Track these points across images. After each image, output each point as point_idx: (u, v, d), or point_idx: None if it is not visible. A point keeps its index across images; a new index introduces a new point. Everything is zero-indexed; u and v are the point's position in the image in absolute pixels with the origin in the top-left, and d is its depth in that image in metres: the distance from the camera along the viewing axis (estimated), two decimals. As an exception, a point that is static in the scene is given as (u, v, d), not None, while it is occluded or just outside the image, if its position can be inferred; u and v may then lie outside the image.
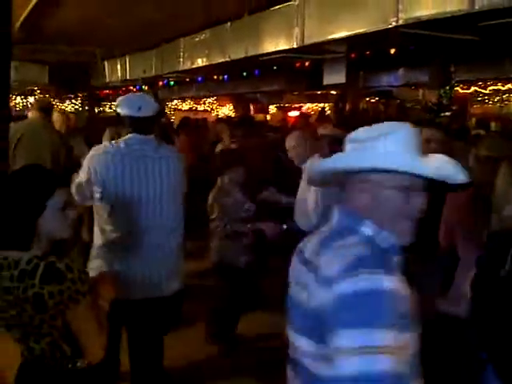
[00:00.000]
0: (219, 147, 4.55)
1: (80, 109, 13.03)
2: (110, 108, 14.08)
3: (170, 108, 15.55)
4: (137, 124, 2.31)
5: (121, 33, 6.16)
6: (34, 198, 1.59)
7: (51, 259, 1.61)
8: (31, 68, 7.90)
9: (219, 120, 7.58)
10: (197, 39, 5.89)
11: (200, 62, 5.84)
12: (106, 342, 1.68)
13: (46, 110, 4.04)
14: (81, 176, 2.33)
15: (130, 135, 2.33)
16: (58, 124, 4.37)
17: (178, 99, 14.91)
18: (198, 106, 16.49)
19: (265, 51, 4.77)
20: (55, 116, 4.43)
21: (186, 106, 16.16)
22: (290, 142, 3.10)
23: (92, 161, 2.30)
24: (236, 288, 3.19)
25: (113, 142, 2.43)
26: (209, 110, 16.24)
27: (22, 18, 5.03)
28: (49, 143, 3.75)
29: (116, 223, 2.29)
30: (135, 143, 2.32)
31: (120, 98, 2.42)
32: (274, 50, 4.64)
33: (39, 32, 5.69)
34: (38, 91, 11.06)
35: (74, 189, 2.29)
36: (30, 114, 4.09)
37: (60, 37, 6.44)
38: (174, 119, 11.32)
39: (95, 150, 2.35)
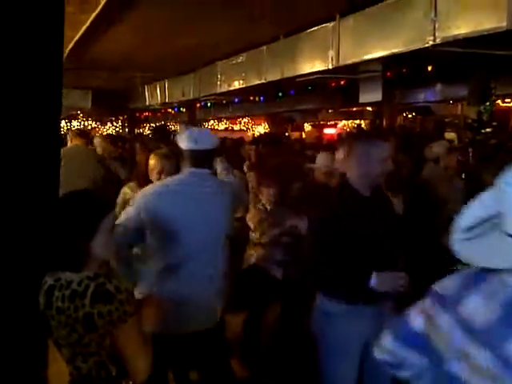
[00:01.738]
0: (245, 166, 4.62)
1: (120, 131, 13.46)
2: (149, 129, 14.49)
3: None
4: (194, 157, 2.33)
5: (160, 58, 6.37)
6: (86, 221, 1.67)
7: (101, 280, 1.67)
8: (76, 94, 8.27)
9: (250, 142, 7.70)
10: (233, 62, 6.02)
11: (237, 85, 5.97)
12: (151, 363, 1.72)
13: (84, 135, 4.22)
14: (129, 215, 2.33)
15: (185, 170, 2.37)
16: (99, 148, 4.55)
17: (214, 119, 15.15)
18: (234, 126, 16.68)
19: (300, 72, 4.84)
20: (96, 141, 4.62)
21: (222, 126, 16.39)
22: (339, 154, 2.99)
23: (145, 200, 2.31)
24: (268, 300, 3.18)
25: (168, 178, 2.48)
26: (244, 129, 16.41)
27: (69, 48, 5.29)
28: (86, 168, 3.88)
29: (166, 254, 2.31)
30: (190, 178, 2.35)
31: (182, 132, 2.49)
32: (309, 71, 4.70)
33: (84, 60, 5.96)
34: (81, 115, 11.50)
35: (118, 229, 2.37)
36: (69, 141, 4.28)
37: (103, 63, 6.72)
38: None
39: (148, 191, 2.37)
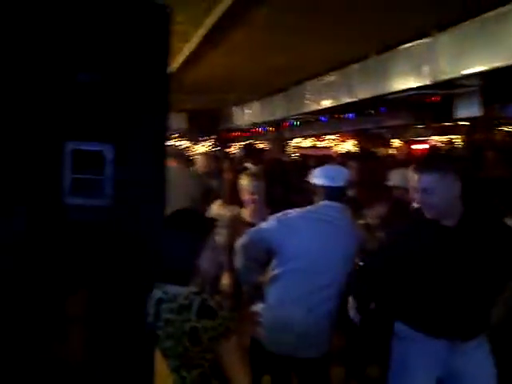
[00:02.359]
0: None
1: (211, 150, 13.98)
2: (236, 148, 14.90)
3: (292, 146, 15.96)
4: (329, 193, 2.44)
5: (252, 79, 6.57)
6: (194, 238, 1.75)
7: (204, 296, 1.75)
8: (174, 116, 8.79)
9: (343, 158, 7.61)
10: (324, 81, 6.05)
11: (326, 103, 5.98)
12: (250, 379, 1.75)
13: (179, 156, 4.46)
14: (258, 236, 2.46)
15: (321, 202, 2.46)
16: (201, 167, 4.79)
17: (300, 137, 15.25)
18: (319, 143, 16.61)
19: (393, 90, 4.76)
20: (199, 159, 4.87)
21: (307, 144, 16.39)
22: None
23: (278, 226, 2.41)
24: None
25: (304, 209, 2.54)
26: (329, 146, 16.29)
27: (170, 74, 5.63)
28: (185, 186, 4.07)
29: (284, 280, 2.41)
30: (325, 209, 2.44)
31: (317, 169, 2.59)
32: (403, 87, 4.60)
33: (182, 84, 6.30)
34: (176, 135, 12.13)
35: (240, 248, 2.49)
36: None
37: (199, 87, 7.05)
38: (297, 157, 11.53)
39: (282, 218, 2.45)
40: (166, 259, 1.77)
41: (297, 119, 9.03)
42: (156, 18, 2.00)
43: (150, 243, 1.87)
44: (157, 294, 1.84)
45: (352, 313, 2.24)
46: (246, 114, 8.89)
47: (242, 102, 8.97)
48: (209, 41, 4.20)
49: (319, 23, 4.12)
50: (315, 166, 2.67)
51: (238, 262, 2.53)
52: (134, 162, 2.04)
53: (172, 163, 4.38)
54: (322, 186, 2.46)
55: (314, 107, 6.36)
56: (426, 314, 2.06)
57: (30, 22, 1.89)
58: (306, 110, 6.60)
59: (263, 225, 2.47)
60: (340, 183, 2.45)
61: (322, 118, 9.70)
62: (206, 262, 1.80)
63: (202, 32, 3.93)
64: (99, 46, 1.91)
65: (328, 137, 15.99)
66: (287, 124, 10.75)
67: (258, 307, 2.38)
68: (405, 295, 2.11)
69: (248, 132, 13.45)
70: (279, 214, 2.46)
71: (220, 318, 1.69)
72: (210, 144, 13.76)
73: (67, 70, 1.92)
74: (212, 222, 1.95)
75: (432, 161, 2.19)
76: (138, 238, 1.98)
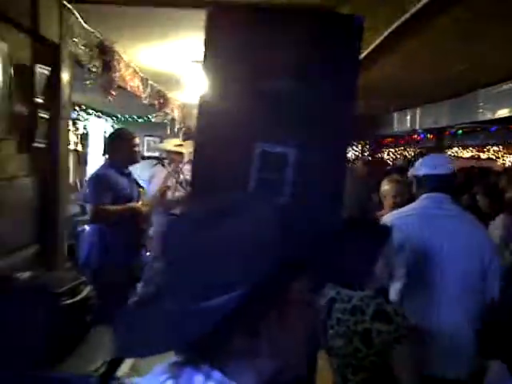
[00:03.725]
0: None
1: (359, 155, 13.82)
2: (388, 154, 14.49)
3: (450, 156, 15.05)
4: (432, 182, 2.30)
5: (418, 86, 6.37)
6: (373, 245, 1.81)
7: (380, 300, 1.79)
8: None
9: None
10: (500, 89, 5.61)
11: (503, 112, 5.53)
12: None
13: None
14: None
15: (424, 195, 2.32)
16: (360, 172, 4.84)
17: (459, 147, 14.30)
18: (481, 154, 15.37)
19: None
20: (358, 164, 4.92)
21: (467, 154, 15.29)
22: None
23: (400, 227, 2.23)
24: None
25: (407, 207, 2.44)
26: (494, 158, 14.97)
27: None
28: (354, 194, 4.12)
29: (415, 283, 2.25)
30: (430, 203, 2.29)
31: (419, 161, 2.48)
32: None
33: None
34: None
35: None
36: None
37: (361, 92, 7.03)
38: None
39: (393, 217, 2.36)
40: (342, 262, 1.85)
41: (461, 128, 8.49)
42: (351, 30, 2.08)
43: (324, 245, 1.96)
44: (330, 293, 1.93)
45: None
46: (407, 121, 8.61)
47: (402, 107, 8.72)
48: (385, 47, 4.19)
49: (502, 30, 3.85)
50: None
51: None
52: (315, 165, 2.16)
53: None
54: (424, 175, 2.30)
55: (488, 117, 5.92)
56: None
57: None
58: (479, 118, 6.16)
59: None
60: (442, 171, 2.26)
61: (492, 128, 8.97)
62: (379, 268, 1.85)
63: (379, 39, 3.94)
64: (303, 55, 2.07)
65: (493, 148, 14.72)
66: (449, 132, 10.18)
67: None
68: None
69: (402, 139, 13.00)
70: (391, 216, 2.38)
71: (395, 323, 1.72)
72: (359, 149, 13.61)
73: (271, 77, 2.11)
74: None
75: None
76: (312, 239, 2.08)
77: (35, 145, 2.70)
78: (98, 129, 8.80)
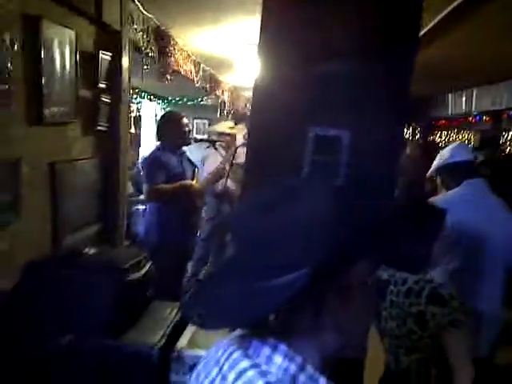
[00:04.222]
0: None
1: (411, 138, 13.47)
2: (440, 137, 14.04)
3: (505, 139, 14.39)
4: (471, 169, 2.40)
5: (479, 65, 6.12)
6: (431, 228, 1.81)
7: (435, 284, 1.80)
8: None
9: None
10: None
11: None
12: (472, 379, 1.74)
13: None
14: None
15: (466, 182, 2.37)
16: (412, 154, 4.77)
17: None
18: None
19: None
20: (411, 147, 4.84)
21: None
22: None
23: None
24: None
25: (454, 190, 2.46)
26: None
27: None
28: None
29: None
30: (474, 189, 2.36)
31: (449, 149, 2.50)
32: None
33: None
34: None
35: None
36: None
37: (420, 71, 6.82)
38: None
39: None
40: (399, 245, 1.87)
41: (522, 110, 8.08)
42: (410, 9, 2.05)
43: (378, 226, 1.98)
44: (383, 275, 1.95)
45: None
46: (462, 103, 8.30)
47: (458, 88, 8.40)
48: (443, 26, 4.04)
49: None
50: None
51: None
52: (370, 147, 2.16)
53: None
54: (464, 162, 2.38)
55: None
56: None
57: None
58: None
59: None
60: (466, 157, 2.34)
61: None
62: (437, 251, 1.85)
63: (438, 17, 3.81)
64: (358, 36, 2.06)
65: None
66: (507, 115, 9.73)
67: None
68: None
69: (456, 121, 12.55)
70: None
71: (450, 307, 1.73)
72: (409, 132, 13.27)
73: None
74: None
75: None
76: (368, 221, 2.10)
77: (98, 128, 2.84)
78: (150, 112, 9.04)
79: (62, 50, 2.35)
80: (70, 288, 1.86)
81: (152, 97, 8.83)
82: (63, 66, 2.38)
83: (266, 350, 0.74)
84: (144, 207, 4.65)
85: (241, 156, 4.09)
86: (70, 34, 2.44)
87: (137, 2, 3.14)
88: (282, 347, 0.74)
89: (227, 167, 4.01)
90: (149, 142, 8.59)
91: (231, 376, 0.73)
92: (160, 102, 9.31)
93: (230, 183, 4.18)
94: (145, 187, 3.54)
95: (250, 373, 0.71)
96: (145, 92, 8.33)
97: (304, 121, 2.19)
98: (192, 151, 4.07)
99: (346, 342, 0.79)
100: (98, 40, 2.82)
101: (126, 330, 1.95)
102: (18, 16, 2.00)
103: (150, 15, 3.42)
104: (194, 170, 3.86)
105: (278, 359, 0.72)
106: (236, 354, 0.76)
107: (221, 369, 0.77)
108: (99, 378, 1.76)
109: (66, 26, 2.40)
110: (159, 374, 1.78)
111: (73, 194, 2.49)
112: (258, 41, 2.18)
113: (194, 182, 3.73)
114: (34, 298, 1.86)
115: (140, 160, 6.09)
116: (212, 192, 4.33)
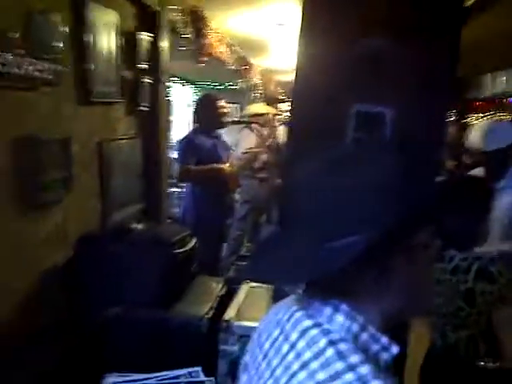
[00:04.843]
0: None
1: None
2: (477, 119, 13.63)
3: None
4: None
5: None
6: (478, 206, 1.79)
7: (485, 261, 1.78)
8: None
9: None
10: None
11: None
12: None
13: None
14: None
15: None
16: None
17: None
18: None
19: None
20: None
21: None
22: None
23: None
24: None
25: None
26: None
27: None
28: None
29: None
30: None
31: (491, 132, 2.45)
32: None
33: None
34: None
35: None
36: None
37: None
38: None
39: None
40: (446, 222, 1.85)
41: None
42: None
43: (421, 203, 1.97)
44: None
45: None
46: (502, 82, 8.03)
47: (496, 68, 8.12)
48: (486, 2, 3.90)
49: None
50: None
51: None
52: (414, 123, 2.14)
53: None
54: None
55: None
56: None
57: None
58: None
59: None
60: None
61: None
62: (486, 230, 1.83)
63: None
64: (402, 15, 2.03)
65: None
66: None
67: None
68: None
69: (494, 103, 12.16)
70: None
71: (499, 283, 1.71)
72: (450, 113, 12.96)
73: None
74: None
75: None
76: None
77: (140, 108, 2.89)
78: (180, 96, 9.08)
79: (106, 31, 2.40)
80: (121, 262, 1.93)
81: (184, 82, 8.86)
82: (108, 47, 2.43)
83: (328, 310, 0.75)
84: (178, 189, 4.71)
85: (279, 135, 4.08)
86: (113, 15, 2.48)
87: (175, -17, 3.15)
88: (344, 307, 0.74)
89: (263, 147, 4.02)
90: (180, 129, 8.65)
91: (294, 335, 0.74)
92: (192, 86, 9.34)
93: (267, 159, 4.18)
94: (177, 167, 3.60)
95: (313, 331, 0.72)
96: (175, 76, 8.36)
97: (347, 98, 2.18)
98: (226, 134, 4.09)
99: (408, 305, 0.80)
100: (139, 21, 2.85)
101: (173, 302, 2.01)
102: (66, -2, 2.05)
103: (186, -4, 3.43)
104: (228, 154, 3.89)
105: (340, 318, 0.73)
106: (298, 314, 0.77)
107: (282, 329, 0.78)
108: (150, 347, 1.82)
109: (109, 7, 2.44)
110: (208, 345, 1.83)
111: (119, 173, 2.56)
112: (297, 21, 2.16)
113: (227, 165, 3.76)
114: (86, 270, 1.94)
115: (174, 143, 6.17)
116: (249, 174, 4.35)
